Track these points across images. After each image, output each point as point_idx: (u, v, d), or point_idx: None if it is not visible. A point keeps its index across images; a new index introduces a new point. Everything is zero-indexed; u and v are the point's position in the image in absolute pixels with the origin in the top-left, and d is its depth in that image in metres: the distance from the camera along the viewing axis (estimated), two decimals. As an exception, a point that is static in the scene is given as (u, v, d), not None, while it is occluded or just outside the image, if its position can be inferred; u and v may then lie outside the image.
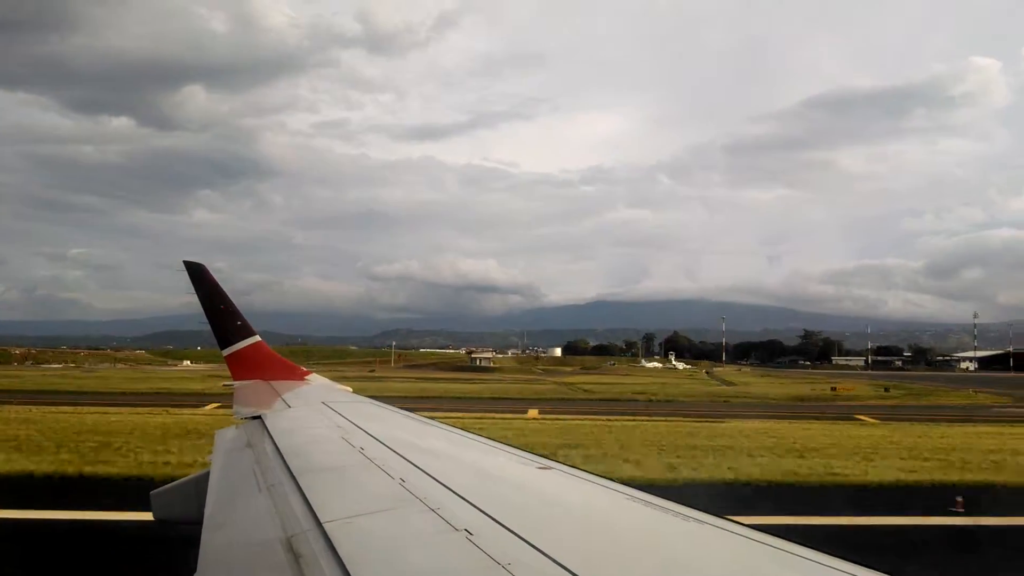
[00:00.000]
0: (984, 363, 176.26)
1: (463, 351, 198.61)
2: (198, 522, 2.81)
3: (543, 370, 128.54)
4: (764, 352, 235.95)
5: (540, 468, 3.27)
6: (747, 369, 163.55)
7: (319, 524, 2.31)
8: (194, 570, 2.26)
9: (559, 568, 1.79)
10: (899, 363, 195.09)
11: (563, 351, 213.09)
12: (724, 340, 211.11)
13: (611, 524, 2.48)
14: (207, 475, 3.84)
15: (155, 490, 4.70)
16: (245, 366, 8.76)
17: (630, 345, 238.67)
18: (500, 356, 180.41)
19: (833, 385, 70.59)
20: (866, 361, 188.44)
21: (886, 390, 66.47)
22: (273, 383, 8.10)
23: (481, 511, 2.34)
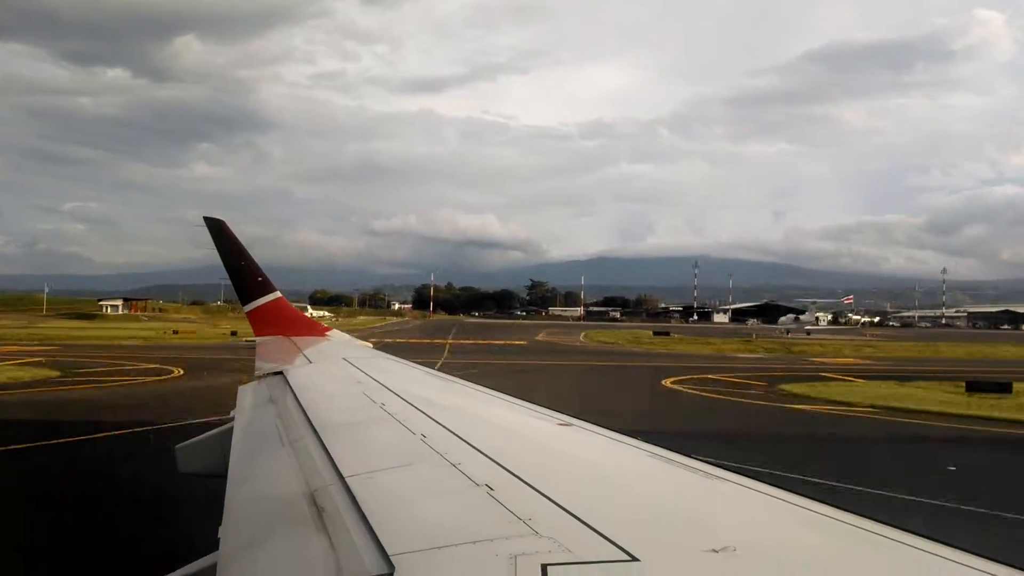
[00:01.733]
0: (738, 314, 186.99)
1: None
2: (223, 476, 2.88)
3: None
4: (495, 303, 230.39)
5: (560, 424, 3.31)
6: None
7: (341, 479, 2.34)
8: (219, 523, 2.32)
9: (579, 523, 1.79)
10: (616, 314, 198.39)
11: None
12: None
13: (630, 480, 2.51)
14: (231, 430, 3.90)
15: (180, 444, 4.77)
16: (266, 322, 8.82)
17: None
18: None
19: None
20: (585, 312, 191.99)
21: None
22: (294, 339, 8.16)
23: (501, 467, 2.37)
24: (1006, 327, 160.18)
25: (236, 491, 2.62)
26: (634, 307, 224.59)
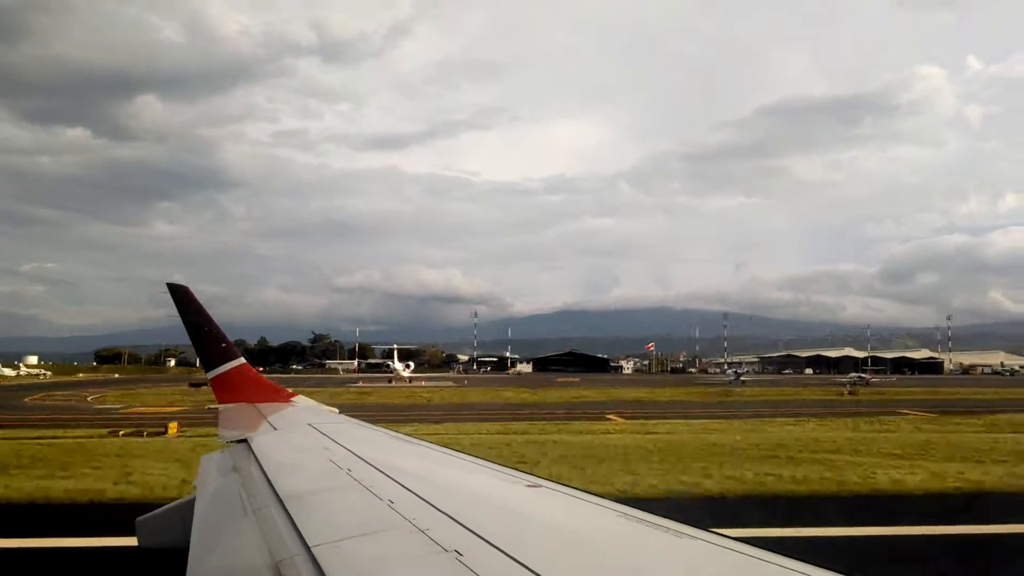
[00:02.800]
0: (545, 363, 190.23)
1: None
2: (184, 548, 2.78)
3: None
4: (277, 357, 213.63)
5: (528, 486, 3.27)
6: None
7: (307, 548, 2.29)
8: None
9: None
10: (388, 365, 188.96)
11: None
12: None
13: (602, 541, 2.47)
14: (193, 501, 3.79)
15: (140, 517, 4.62)
16: (230, 389, 8.63)
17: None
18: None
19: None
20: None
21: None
22: (258, 405, 7.99)
23: (470, 531, 2.34)
24: (788, 372, 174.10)
25: (199, 563, 2.54)
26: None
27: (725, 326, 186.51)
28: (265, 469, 3.86)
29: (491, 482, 3.58)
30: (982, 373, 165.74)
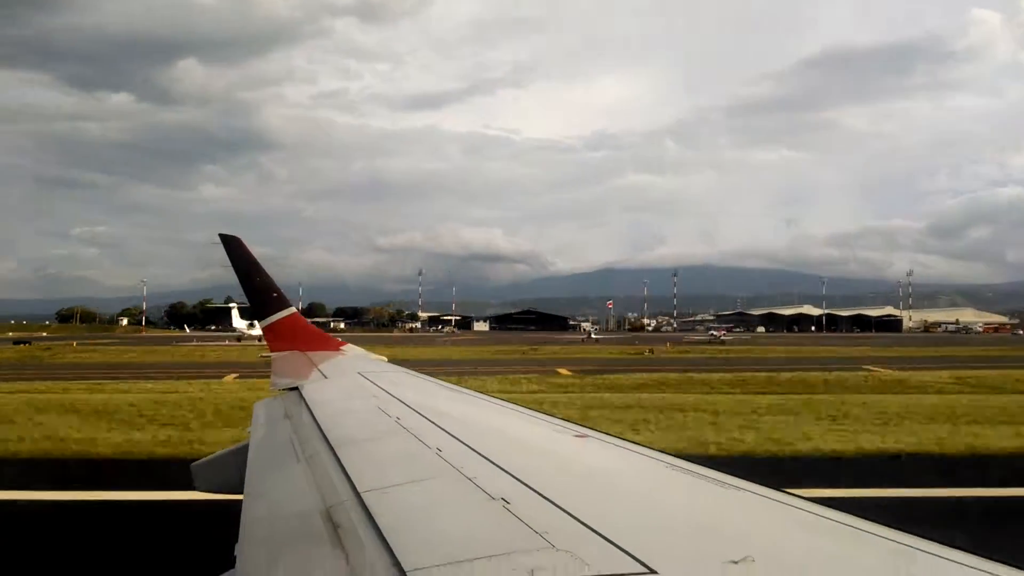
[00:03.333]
0: (507, 320, 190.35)
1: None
2: (239, 493, 2.88)
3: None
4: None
5: (576, 436, 3.27)
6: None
7: (357, 494, 2.32)
8: (235, 540, 2.31)
9: (596, 536, 1.78)
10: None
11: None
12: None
13: (648, 492, 2.47)
14: (247, 447, 3.89)
15: (196, 462, 4.77)
16: (282, 337, 8.83)
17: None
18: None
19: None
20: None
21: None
22: (309, 354, 8.15)
23: (517, 480, 2.35)
24: (738, 329, 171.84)
25: (252, 508, 2.61)
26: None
27: (675, 283, 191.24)
28: (316, 416, 3.94)
29: (538, 431, 3.59)
30: (944, 331, 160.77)
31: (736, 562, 1.57)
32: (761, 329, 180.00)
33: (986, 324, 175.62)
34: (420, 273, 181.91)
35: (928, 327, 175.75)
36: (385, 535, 1.89)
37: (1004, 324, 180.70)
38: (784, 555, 1.76)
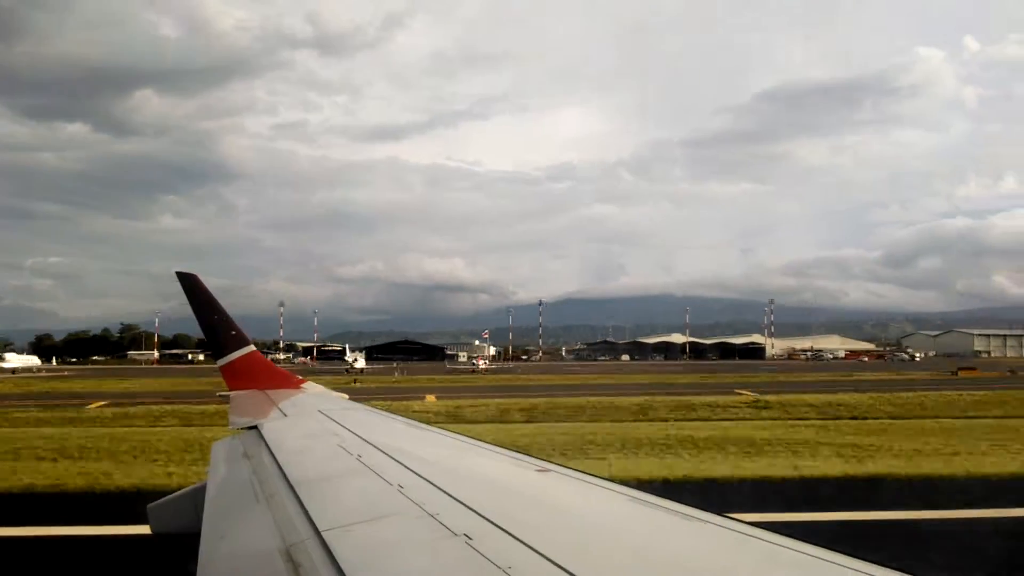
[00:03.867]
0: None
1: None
2: (196, 534, 2.80)
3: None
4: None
5: (538, 471, 3.27)
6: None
7: (318, 533, 2.31)
8: None
9: (560, 571, 1.77)
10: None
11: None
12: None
13: (611, 525, 2.48)
14: (204, 487, 3.83)
15: (152, 503, 4.66)
16: (240, 376, 8.70)
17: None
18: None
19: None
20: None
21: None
22: (268, 392, 8.04)
23: (480, 515, 2.34)
24: (604, 358, 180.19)
25: (211, 549, 2.56)
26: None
27: (541, 314, 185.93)
28: (276, 455, 3.90)
29: (500, 466, 3.60)
30: (806, 359, 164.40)
31: None
32: (625, 357, 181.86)
33: (849, 351, 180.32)
34: (281, 305, 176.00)
35: (791, 354, 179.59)
36: (347, 574, 1.88)
37: (870, 351, 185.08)
38: None
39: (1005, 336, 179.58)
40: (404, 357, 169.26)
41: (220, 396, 9.10)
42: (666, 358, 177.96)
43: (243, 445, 4.63)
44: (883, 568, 1.80)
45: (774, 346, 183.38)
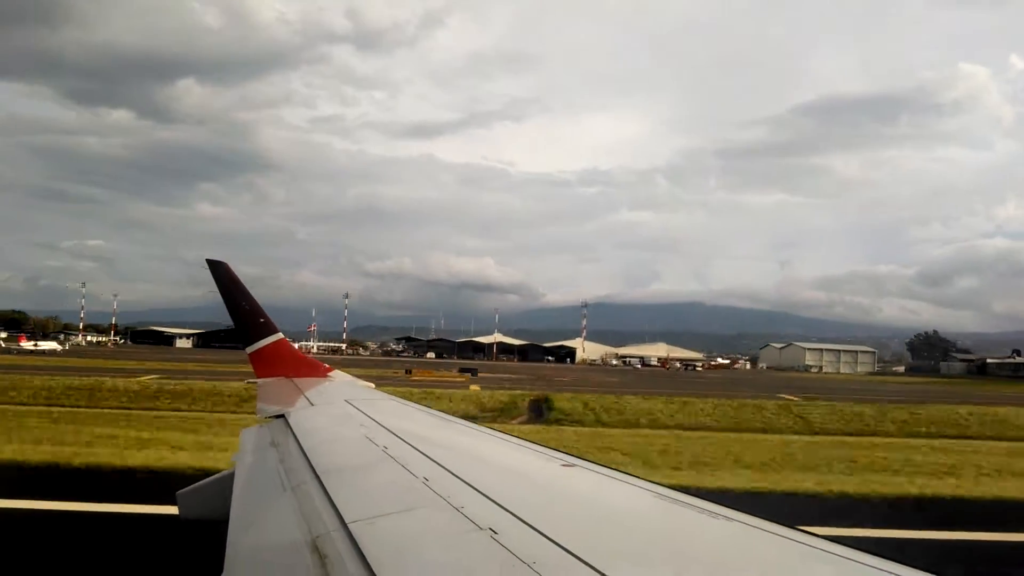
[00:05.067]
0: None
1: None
2: (224, 521, 2.82)
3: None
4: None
5: (564, 465, 3.25)
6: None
7: (344, 524, 2.30)
8: (220, 570, 2.27)
9: (585, 566, 1.77)
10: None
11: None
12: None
13: (636, 521, 2.47)
14: (232, 475, 3.85)
15: (181, 490, 4.70)
16: (268, 364, 8.74)
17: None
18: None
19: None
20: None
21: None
22: (296, 380, 8.06)
23: (505, 509, 2.33)
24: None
25: (238, 537, 2.57)
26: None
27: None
28: (302, 444, 3.90)
29: (526, 460, 3.57)
30: (625, 363, 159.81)
31: None
32: (431, 355, 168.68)
33: (662, 358, 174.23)
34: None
35: (603, 359, 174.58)
36: (372, 566, 1.88)
37: (693, 360, 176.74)
38: None
39: (840, 351, 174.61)
40: (232, 344, 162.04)
41: (248, 383, 9.12)
42: (485, 357, 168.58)
43: (271, 433, 4.63)
44: (912, 568, 1.79)
45: (585, 350, 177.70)
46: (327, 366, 9.40)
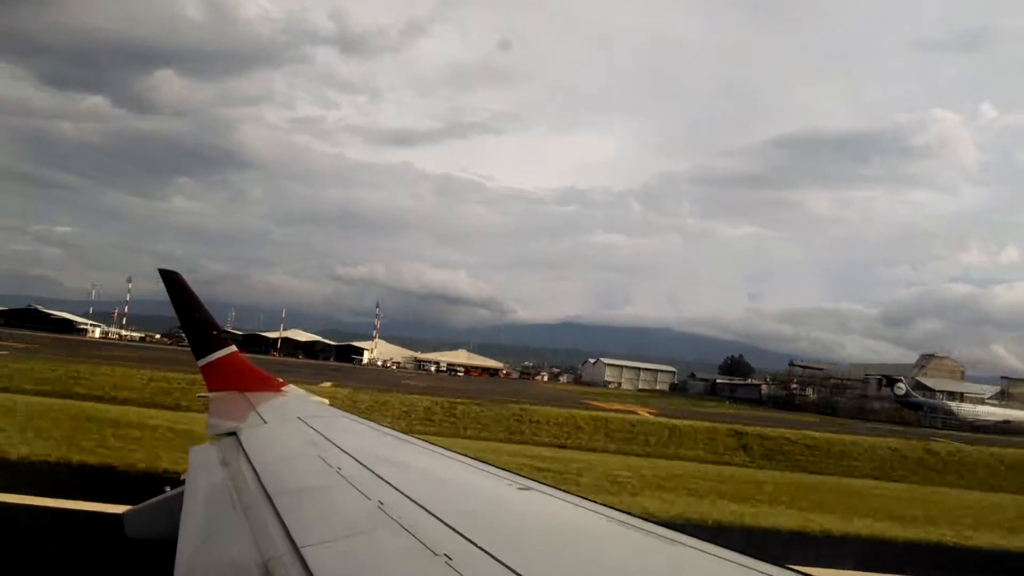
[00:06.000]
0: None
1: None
2: (172, 541, 2.75)
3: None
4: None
5: (519, 488, 3.25)
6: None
7: (296, 548, 2.27)
8: None
9: None
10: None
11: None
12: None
13: (592, 546, 2.48)
14: (181, 495, 3.74)
15: (128, 509, 4.58)
16: (220, 376, 8.52)
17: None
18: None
19: None
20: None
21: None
22: (248, 395, 7.89)
23: (460, 534, 2.32)
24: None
25: (187, 559, 2.51)
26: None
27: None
28: (254, 465, 3.83)
29: (482, 483, 3.56)
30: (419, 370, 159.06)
31: None
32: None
33: (467, 366, 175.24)
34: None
35: (392, 362, 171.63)
36: None
37: (489, 368, 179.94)
38: None
39: (640, 369, 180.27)
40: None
41: (200, 397, 8.95)
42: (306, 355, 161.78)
43: (221, 452, 4.54)
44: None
45: (373, 351, 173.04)
46: (280, 380, 9.24)
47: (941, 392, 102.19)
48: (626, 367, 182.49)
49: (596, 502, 2.97)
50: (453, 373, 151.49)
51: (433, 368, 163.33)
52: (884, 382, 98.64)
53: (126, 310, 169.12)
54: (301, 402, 8.11)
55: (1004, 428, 78.80)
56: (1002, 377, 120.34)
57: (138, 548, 4.66)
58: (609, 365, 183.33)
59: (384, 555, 2.24)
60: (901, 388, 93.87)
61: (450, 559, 2.07)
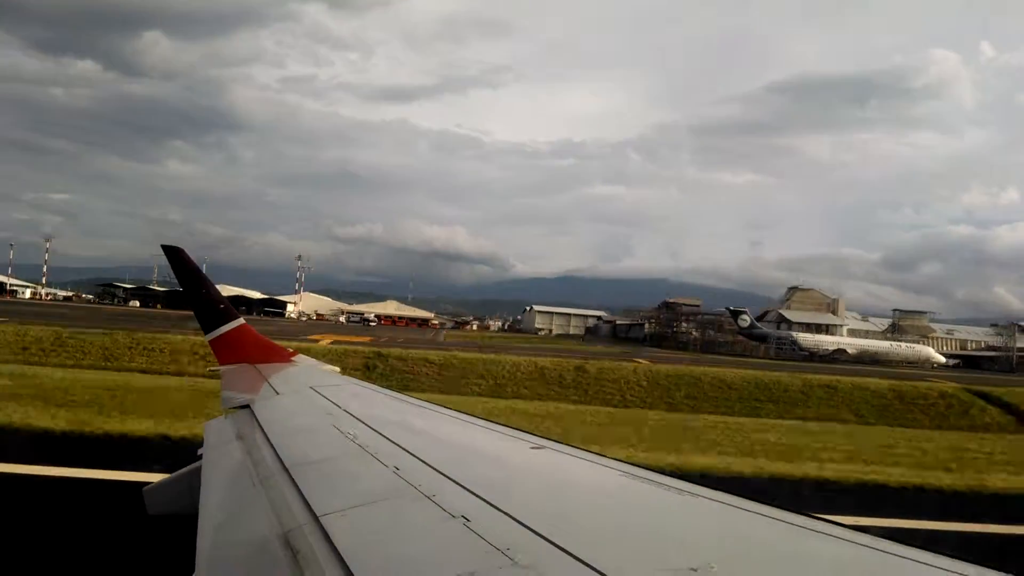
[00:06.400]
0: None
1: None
2: (193, 515, 2.79)
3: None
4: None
5: (533, 448, 3.27)
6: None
7: (315, 518, 2.29)
8: (191, 568, 2.25)
9: (558, 550, 1.79)
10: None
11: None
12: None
13: (607, 502, 2.51)
14: (199, 470, 3.77)
15: (147, 486, 4.60)
16: (230, 350, 8.51)
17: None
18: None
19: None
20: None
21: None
22: (259, 366, 7.90)
23: (477, 496, 2.34)
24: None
25: (208, 534, 2.54)
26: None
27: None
28: (270, 437, 3.84)
29: (495, 444, 3.58)
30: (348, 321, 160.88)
31: (696, 569, 1.60)
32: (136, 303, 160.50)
33: (395, 316, 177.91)
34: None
35: (319, 316, 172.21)
36: (345, 559, 1.88)
37: (416, 318, 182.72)
38: (744, 561, 1.79)
39: (571, 315, 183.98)
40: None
41: (211, 371, 8.96)
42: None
43: (236, 425, 4.55)
44: (881, 539, 1.84)
45: (297, 304, 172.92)
46: (291, 350, 9.25)
47: (799, 324, 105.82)
48: (556, 313, 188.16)
49: (610, 457, 2.99)
50: (366, 323, 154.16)
51: (358, 319, 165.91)
52: (729, 315, 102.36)
53: (44, 270, 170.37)
54: (312, 371, 8.12)
55: (837, 357, 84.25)
56: (894, 310, 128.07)
57: (160, 524, 4.68)
58: (540, 312, 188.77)
59: (402, 520, 2.26)
60: (745, 320, 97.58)
61: (468, 520, 2.08)
